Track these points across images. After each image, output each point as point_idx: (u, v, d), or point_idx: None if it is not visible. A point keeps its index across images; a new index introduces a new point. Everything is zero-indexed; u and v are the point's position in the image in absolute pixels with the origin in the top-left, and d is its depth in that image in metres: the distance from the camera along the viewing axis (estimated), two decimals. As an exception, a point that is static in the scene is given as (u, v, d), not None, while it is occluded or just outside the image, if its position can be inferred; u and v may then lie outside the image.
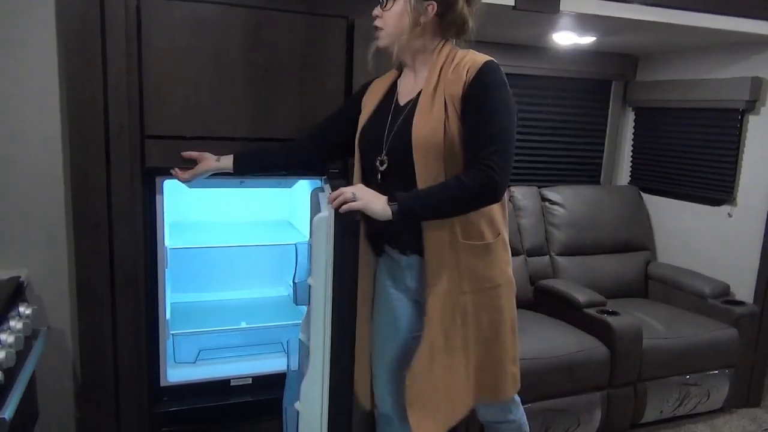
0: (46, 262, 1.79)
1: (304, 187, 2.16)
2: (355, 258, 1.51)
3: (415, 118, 1.57)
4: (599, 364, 2.51)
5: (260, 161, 1.86)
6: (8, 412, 1.30)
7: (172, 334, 2.05)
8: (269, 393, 2.05)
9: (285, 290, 2.54)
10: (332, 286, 1.48)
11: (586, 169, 3.64)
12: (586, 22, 2.52)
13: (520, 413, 1.89)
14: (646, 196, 3.49)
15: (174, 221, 2.25)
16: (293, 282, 1.84)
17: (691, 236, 3.25)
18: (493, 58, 1.58)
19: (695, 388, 2.76)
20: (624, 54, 3.46)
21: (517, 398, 1.88)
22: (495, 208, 1.64)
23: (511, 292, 1.74)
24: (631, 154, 3.63)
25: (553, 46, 3.12)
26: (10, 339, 1.46)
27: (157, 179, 1.83)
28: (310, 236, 1.60)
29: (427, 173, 1.55)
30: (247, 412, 2.05)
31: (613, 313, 2.61)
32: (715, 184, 3.10)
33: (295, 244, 1.94)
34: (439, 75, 1.57)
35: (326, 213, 1.51)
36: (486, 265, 1.65)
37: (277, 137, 1.90)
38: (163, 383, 1.98)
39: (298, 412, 1.59)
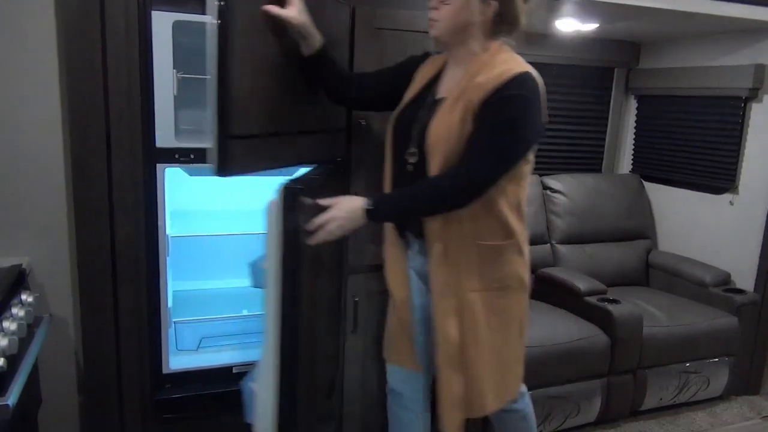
0: (47, 249, 1.79)
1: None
2: (298, 250, 1.48)
3: (435, 117, 1.58)
4: (599, 351, 2.52)
5: (332, 72, 1.71)
6: (11, 399, 1.31)
7: (174, 322, 2.06)
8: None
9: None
10: (278, 272, 1.47)
11: (587, 158, 3.63)
12: (588, 8, 2.50)
13: (524, 402, 1.91)
14: (647, 185, 3.49)
15: (175, 209, 2.24)
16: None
17: (693, 225, 3.25)
18: (531, 71, 1.56)
19: (695, 375, 2.77)
20: (626, 41, 3.44)
21: (523, 387, 1.89)
22: (508, 212, 1.64)
23: (523, 294, 1.76)
24: (633, 142, 3.62)
25: (555, 34, 3.11)
26: (13, 326, 1.46)
27: (159, 166, 1.83)
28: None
29: (439, 170, 1.57)
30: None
31: (614, 301, 2.62)
32: (717, 172, 3.09)
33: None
34: (472, 78, 1.56)
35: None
36: (496, 265, 1.67)
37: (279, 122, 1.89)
38: (165, 370, 1.99)
39: (253, 390, 1.62)
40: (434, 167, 1.57)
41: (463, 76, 1.59)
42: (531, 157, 1.64)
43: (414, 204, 1.59)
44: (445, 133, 1.54)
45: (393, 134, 1.72)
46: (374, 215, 1.55)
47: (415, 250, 1.75)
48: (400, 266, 1.79)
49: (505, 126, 1.52)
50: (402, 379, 1.86)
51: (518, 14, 1.59)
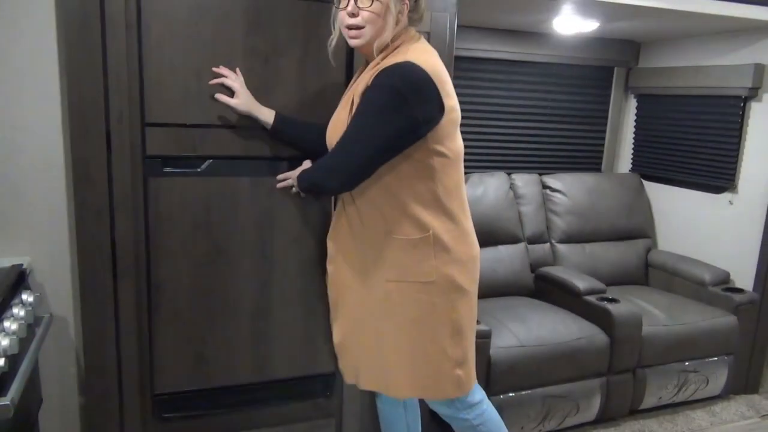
0: (48, 249, 1.80)
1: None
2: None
3: (332, 118, 1.67)
4: (599, 350, 2.53)
5: (298, 130, 1.85)
6: (12, 398, 1.32)
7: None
8: (271, 375, 2.07)
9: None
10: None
11: (587, 157, 3.63)
12: (588, 7, 2.50)
13: (473, 414, 1.83)
14: (647, 184, 3.49)
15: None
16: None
17: (692, 224, 3.25)
18: (417, 63, 1.51)
19: (694, 374, 2.77)
20: (626, 40, 3.45)
21: (476, 399, 1.83)
22: (420, 207, 1.63)
23: (453, 293, 1.69)
24: (632, 141, 3.62)
25: (555, 33, 3.11)
26: (14, 326, 1.47)
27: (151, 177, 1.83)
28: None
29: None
30: (249, 395, 2.07)
31: (613, 301, 2.63)
32: (716, 171, 3.09)
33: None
34: (372, 72, 1.56)
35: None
36: (413, 259, 1.66)
37: (277, 125, 1.90)
38: (165, 370, 2.00)
39: None
40: None
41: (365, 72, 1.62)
42: (445, 150, 1.61)
43: (307, 181, 1.75)
44: (334, 131, 1.63)
45: (328, 140, 1.75)
46: (298, 181, 1.78)
47: None
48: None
49: (365, 113, 1.53)
50: None
51: (425, 6, 1.62)
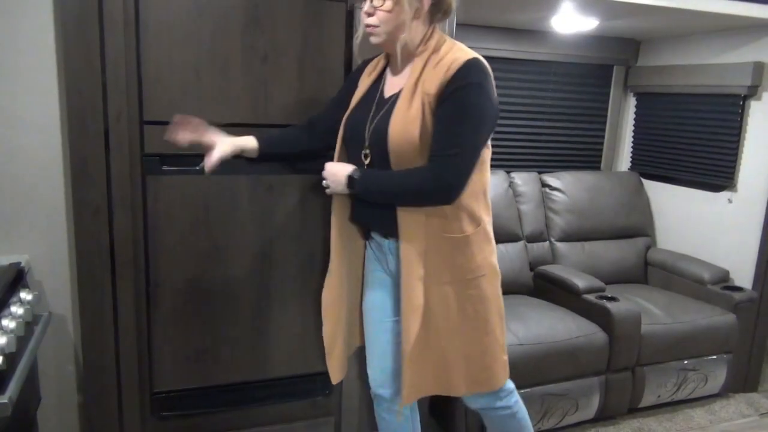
0: (46, 247, 1.80)
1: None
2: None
3: (393, 114, 1.58)
4: (598, 349, 2.53)
5: (283, 145, 1.83)
6: (10, 397, 1.32)
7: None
8: (270, 373, 2.07)
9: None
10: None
11: (586, 155, 3.63)
12: (587, 5, 2.50)
13: (513, 400, 1.89)
14: (646, 182, 3.49)
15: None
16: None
17: (691, 222, 3.25)
18: (478, 56, 1.55)
19: (693, 373, 2.77)
20: (625, 38, 3.44)
21: (510, 385, 1.88)
22: (474, 200, 1.64)
23: (496, 280, 1.75)
24: (631, 139, 3.62)
25: (554, 31, 3.11)
26: (12, 324, 1.47)
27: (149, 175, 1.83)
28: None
29: (402, 168, 1.59)
30: (247, 393, 2.07)
31: (612, 299, 2.62)
32: (715, 170, 3.09)
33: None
34: (422, 71, 1.56)
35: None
36: (467, 256, 1.66)
37: (276, 123, 1.90)
38: (164, 368, 2.00)
39: None
40: (395, 164, 1.59)
41: (411, 71, 1.59)
42: (490, 142, 1.66)
43: (398, 188, 1.59)
44: (404, 129, 1.55)
45: (345, 137, 1.73)
46: (355, 184, 1.62)
47: (384, 251, 1.77)
48: (337, 270, 1.83)
49: (467, 115, 1.52)
50: (381, 383, 1.86)
51: (452, 1, 1.61)
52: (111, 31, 1.68)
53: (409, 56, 1.62)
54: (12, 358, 1.41)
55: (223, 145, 1.70)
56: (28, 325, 1.57)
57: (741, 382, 2.97)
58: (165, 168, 1.82)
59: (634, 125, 3.60)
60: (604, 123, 3.62)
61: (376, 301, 1.83)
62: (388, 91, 1.67)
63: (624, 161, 3.68)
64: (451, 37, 2.01)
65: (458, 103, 1.51)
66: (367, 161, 1.67)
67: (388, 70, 1.72)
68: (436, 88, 1.52)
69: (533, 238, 3.14)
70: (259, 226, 1.95)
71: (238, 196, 1.90)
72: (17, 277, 1.66)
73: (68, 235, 1.81)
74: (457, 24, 2.04)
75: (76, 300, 1.83)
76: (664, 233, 3.43)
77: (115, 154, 1.75)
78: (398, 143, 1.56)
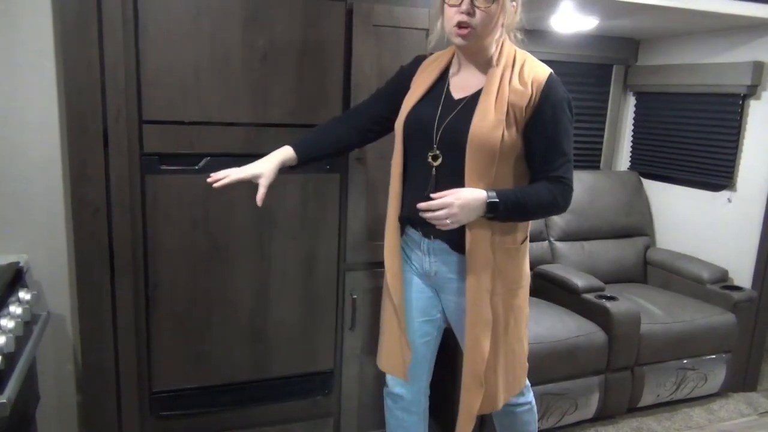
0: (45, 247, 1.80)
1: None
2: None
3: (475, 116, 1.55)
4: (597, 348, 2.53)
5: (322, 147, 1.75)
6: (9, 396, 1.31)
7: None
8: (269, 373, 2.07)
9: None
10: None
11: (585, 154, 3.63)
12: (587, 4, 2.50)
13: (531, 395, 1.93)
14: (645, 182, 3.49)
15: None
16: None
17: (691, 222, 3.25)
18: (551, 70, 1.61)
19: (692, 372, 2.78)
20: (625, 38, 3.44)
21: (527, 381, 1.91)
22: None
23: (528, 291, 1.79)
24: (631, 139, 3.62)
25: (554, 30, 3.10)
26: (11, 324, 1.47)
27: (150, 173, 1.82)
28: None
29: (476, 173, 1.56)
30: (246, 393, 2.07)
31: (612, 299, 2.62)
32: (715, 169, 3.09)
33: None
34: (501, 79, 1.57)
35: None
36: (515, 267, 1.69)
37: (275, 123, 1.90)
38: (163, 368, 1.99)
39: None
40: (470, 168, 1.55)
41: (490, 76, 1.58)
42: None
43: (535, 205, 1.59)
44: (487, 132, 1.53)
45: (407, 134, 1.67)
46: (495, 207, 1.54)
47: (421, 250, 1.73)
48: (399, 271, 1.76)
49: (569, 130, 1.60)
50: (403, 382, 1.84)
51: (520, 13, 1.63)
52: (110, 30, 1.68)
53: (483, 62, 1.61)
54: (11, 358, 1.41)
55: (266, 175, 1.64)
56: (27, 324, 1.57)
57: (740, 382, 2.97)
58: (164, 167, 1.82)
59: (633, 125, 3.60)
60: (604, 122, 3.62)
61: (405, 299, 1.79)
62: (457, 93, 1.64)
63: (623, 161, 3.67)
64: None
65: (557, 120, 1.57)
66: (436, 163, 1.62)
67: (451, 71, 1.68)
68: (526, 101, 1.55)
69: (533, 238, 3.12)
70: (259, 226, 1.95)
71: (238, 196, 1.90)
72: (16, 277, 1.65)
73: (67, 235, 1.80)
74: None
75: (75, 299, 1.82)
76: (664, 233, 3.43)
77: (114, 154, 1.75)
78: (479, 146, 1.54)
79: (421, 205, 1.54)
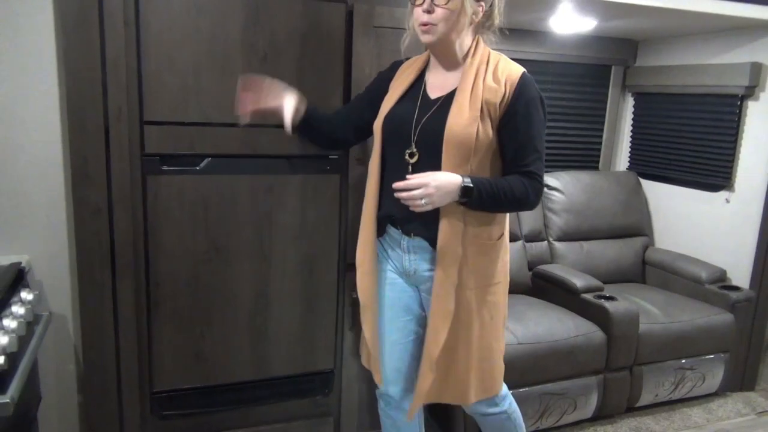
0: (46, 247, 1.80)
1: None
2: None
3: (450, 113, 1.59)
4: (596, 348, 2.54)
5: (322, 122, 1.81)
6: (12, 396, 1.32)
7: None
8: (270, 373, 2.08)
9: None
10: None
11: (584, 155, 3.64)
12: (586, 6, 2.51)
13: (507, 403, 1.91)
14: (644, 182, 3.50)
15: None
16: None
17: (689, 222, 3.26)
18: (524, 69, 1.64)
19: (691, 372, 2.79)
20: (624, 39, 3.45)
21: (505, 389, 1.89)
22: None
23: (506, 288, 1.79)
24: (629, 139, 3.63)
25: (552, 31, 3.11)
26: (13, 324, 1.47)
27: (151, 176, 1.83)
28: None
29: (452, 169, 1.59)
30: (247, 393, 2.07)
31: (610, 298, 2.63)
32: (713, 170, 3.10)
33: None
34: (476, 78, 1.60)
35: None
36: (489, 262, 1.70)
37: (275, 124, 1.90)
38: (164, 367, 2.00)
39: None
40: (448, 165, 1.59)
41: (463, 75, 1.62)
42: None
43: (508, 195, 1.60)
44: (463, 129, 1.57)
45: (385, 134, 1.71)
46: (469, 192, 1.56)
47: (401, 248, 1.75)
48: (371, 269, 1.78)
49: (542, 127, 1.63)
50: (392, 382, 1.85)
51: (498, 13, 1.65)
52: (111, 30, 1.68)
53: (456, 61, 1.65)
54: (13, 358, 1.42)
55: (289, 104, 1.71)
56: (29, 324, 1.57)
57: (738, 381, 2.98)
58: (165, 168, 1.83)
59: (632, 125, 3.61)
60: (603, 123, 3.63)
61: (388, 299, 1.82)
62: (433, 92, 1.68)
63: (622, 161, 3.68)
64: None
65: (530, 117, 1.60)
66: (413, 160, 1.65)
67: (427, 73, 1.72)
68: (499, 99, 1.58)
69: (532, 238, 3.15)
70: (259, 226, 1.95)
71: (238, 196, 1.91)
72: (18, 277, 1.66)
73: (68, 235, 1.81)
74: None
75: (76, 299, 1.83)
76: (662, 233, 3.44)
77: (115, 154, 1.75)
78: (454, 143, 1.58)
79: (398, 184, 1.57)
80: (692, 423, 2.71)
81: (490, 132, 1.60)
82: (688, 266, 3.08)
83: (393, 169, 1.70)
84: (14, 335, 1.44)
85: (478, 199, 1.58)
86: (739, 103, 2.95)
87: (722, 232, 3.08)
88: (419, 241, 1.70)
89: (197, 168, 1.85)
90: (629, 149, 3.63)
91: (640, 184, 3.48)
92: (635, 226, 3.37)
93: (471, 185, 1.56)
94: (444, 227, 1.62)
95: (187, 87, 1.79)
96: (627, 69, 3.56)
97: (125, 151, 1.76)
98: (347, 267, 2.11)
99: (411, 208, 1.58)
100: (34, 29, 1.68)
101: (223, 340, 1.98)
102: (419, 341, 1.82)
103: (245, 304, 1.99)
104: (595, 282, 2.77)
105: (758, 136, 2.91)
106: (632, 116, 3.61)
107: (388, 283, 1.81)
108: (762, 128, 2.89)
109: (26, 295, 1.63)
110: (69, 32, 1.66)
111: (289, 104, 1.71)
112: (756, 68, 2.85)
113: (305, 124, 1.76)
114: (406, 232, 1.72)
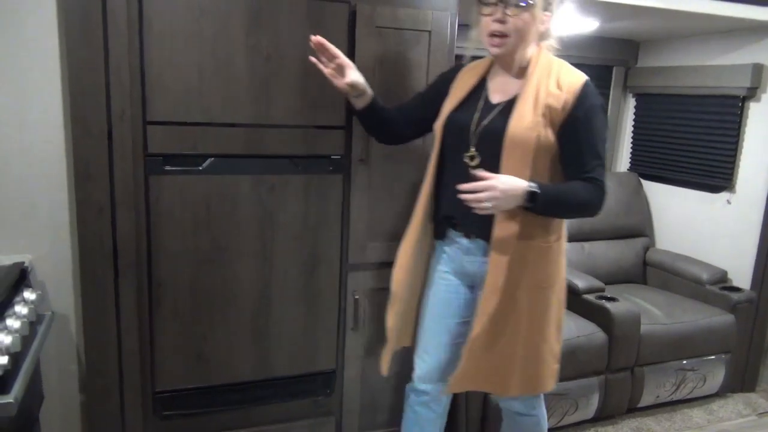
0: (49, 247, 1.80)
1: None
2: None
3: (512, 117, 1.61)
4: (597, 349, 2.54)
5: (384, 112, 1.85)
6: (15, 396, 1.32)
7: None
8: (271, 373, 2.08)
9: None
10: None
11: (585, 156, 3.63)
12: (588, 7, 2.51)
13: (541, 409, 1.94)
14: (645, 183, 3.50)
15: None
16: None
17: (690, 223, 3.26)
18: (587, 77, 1.67)
19: (692, 373, 2.79)
20: (625, 40, 3.45)
21: (540, 395, 1.92)
22: None
23: (563, 293, 1.80)
24: (631, 140, 3.63)
25: (554, 32, 3.11)
26: (16, 324, 1.47)
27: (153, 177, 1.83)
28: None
29: (513, 173, 1.60)
30: (249, 393, 2.07)
31: (612, 299, 2.64)
32: (714, 171, 3.11)
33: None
34: (539, 84, 1.62)
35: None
36: (544, 266, 1.71)
37: (279, 124, 1.90)
38: (166, 367, 2.00)
39: None
40: (508, 169, 1.60)
41: (526, 82, 1.64)
42: None
43: (572, 201, 1.62)
44: (524, 133, 1.59)
45: (445, 136, 1.74)
46: (535, 197, 1.57)
47: (462, 251, 1.78)
48: (410, 266, 1.83)
49: (603, 134, 1.66)
50: (429, 379, 1.88)
51: (553, 22, 1.70)
52: (114, 31, 1.68)
53: (519, 68, 1.67)
54: (16, 358, 1.41)
55: (354, 72, 1.77)
56: (32, 324, 1.57)
57: (739, 382, 2.99)
58: (168, 168, 1.82)
59: (633, 126, 3.61)
60: (604, 124, 3.62)
61: (441, 299, 1.85)
62: (495, 97, 1.71)
63: (623, 162, 3.69)
64: (453, 38, 2.04)
65: (591, 123, 1.61)
66: (473, 163, 1.67)
67: (489, 78, 1.75)
68: (561, 105, 1.60)
69: (533, 239, 3.15)
70: (261, 226, 1.95)
71: (240, 197, 1.91)
72: (21, 277, 1.66)
73: (71, 235, 1.81)
74: (459, 25, 2.05)
75: (79, 300, 1.83)
76: (663, 234, 3.44)
77: (118, 154, 1.75)
78: (515, 146, 1.59)
79: (465, 186, 1.57)
80: (693, 424, 2.72)
81: (551, 137, 1.61)
82: (689, 267, 3.09)
83: (451, 171, 1.73)
84: (17, 335, 1.44)
85: (543, 205, 1.58)
86: (740, 104, 2.96)
87: (723, 234, 3.08)
88: (479, 243, 1.72)
89: (200, 168, 1.85)
90: (630, 150, 3.64)
91: (641, 185, 3.48)
92: (636, 227, 3.38)
93: (537, 190, 1.57)
94: (499, 225, 1.64)
95: (190, 87, 1.79)
96: (628, 70, 3.56)
97: (128, 151, 1.76)
98: (350, 267, 2.11)
99: (474, 210, 1.58)
100: (38, 30, 1.68)
101: (224, 340, 1.98)
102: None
103: (247, 304, 1.99)
104: (596, 283, 2.77)
105: (759, 137, 2.91)
106: (633, 117, 3.61)
107: (444, 284, 1.84)
108: (763, 129, 2.90)
109: (29, 294, 1.63)
110: (72, 33, 1.66)
111: (351, 73, 1.76)
112: (757, 69, 2.86)
113: (370, 109, 1.81)
114: (466, 234, 1.74)
